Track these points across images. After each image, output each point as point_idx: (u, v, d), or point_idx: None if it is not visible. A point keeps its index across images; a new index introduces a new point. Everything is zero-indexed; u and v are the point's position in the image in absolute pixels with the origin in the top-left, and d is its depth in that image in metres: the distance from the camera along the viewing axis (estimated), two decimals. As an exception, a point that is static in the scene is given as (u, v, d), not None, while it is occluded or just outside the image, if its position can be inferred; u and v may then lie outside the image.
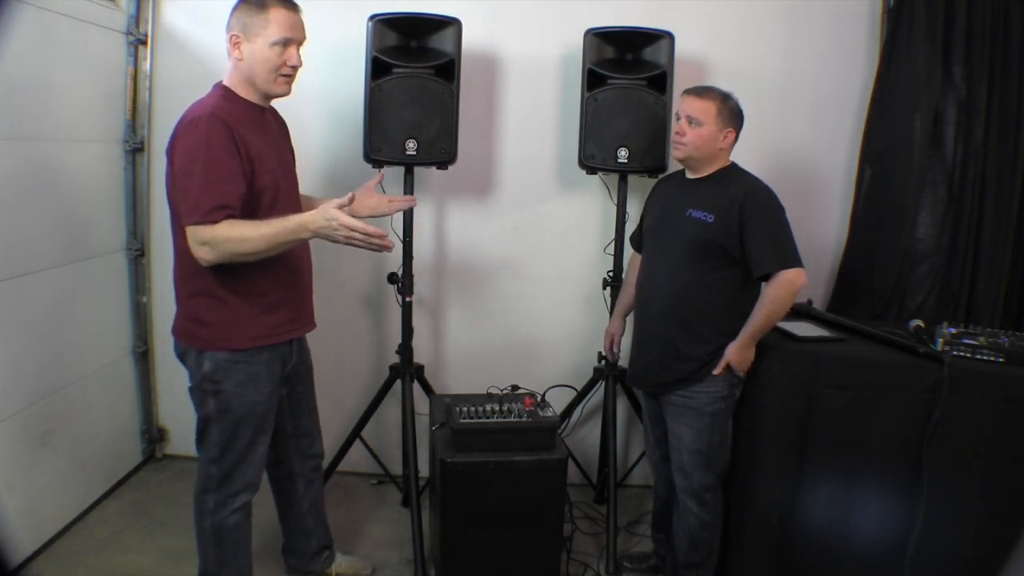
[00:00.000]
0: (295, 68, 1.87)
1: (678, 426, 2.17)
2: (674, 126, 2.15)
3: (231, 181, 1.73)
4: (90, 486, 2.69)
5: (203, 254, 1.71)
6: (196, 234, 1.70)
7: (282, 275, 1.91)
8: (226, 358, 1.86)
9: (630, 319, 2.45)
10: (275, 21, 1.80)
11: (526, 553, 2.22)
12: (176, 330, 1.92)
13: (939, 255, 2.73)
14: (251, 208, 1.80)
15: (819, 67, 2.83)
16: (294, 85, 1.90)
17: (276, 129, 2.00)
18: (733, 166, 2.15)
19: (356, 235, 1.68)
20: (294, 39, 1.84)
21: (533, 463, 2.14)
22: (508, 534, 2.19)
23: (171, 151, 1.77)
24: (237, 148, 1.74)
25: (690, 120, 2.08)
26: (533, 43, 2.80)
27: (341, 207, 1.70)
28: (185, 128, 1.75)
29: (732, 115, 2.09)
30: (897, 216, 2.72)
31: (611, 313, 2.74)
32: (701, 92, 2.10)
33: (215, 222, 1.69)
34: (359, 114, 2.44)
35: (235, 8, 1.83)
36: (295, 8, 1.85)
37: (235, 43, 1.81)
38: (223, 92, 1.85)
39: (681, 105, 2.12)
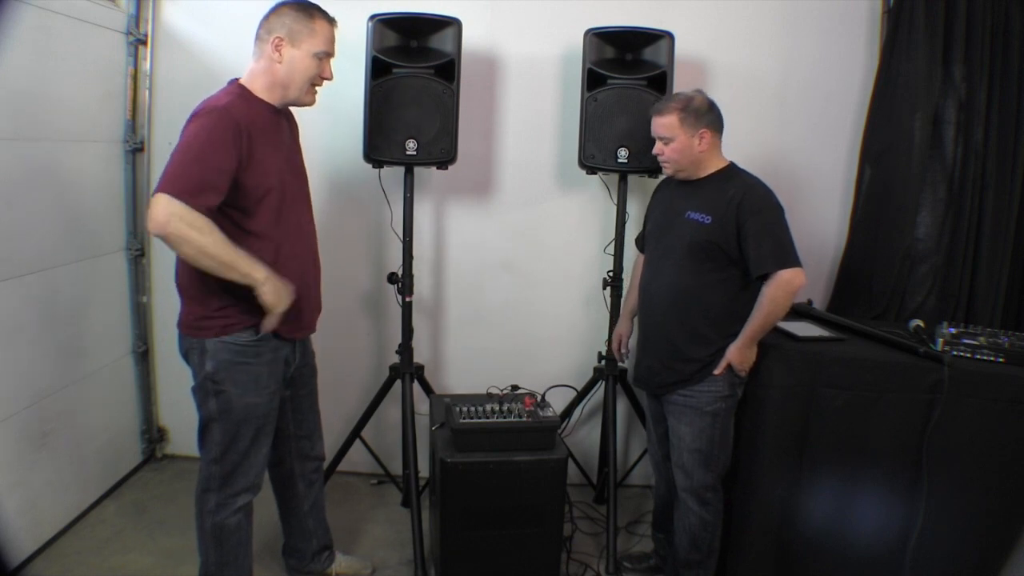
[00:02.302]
0: (327, 81, 1.91)
1: (679, 425, 2.17)
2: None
3: (217, 173, 1.71)
4: (90, 486, 2.69)
5: (162, 220, 1.63)
6: (171, 205, 1.63)
7: (290, 275, 1.89)
8: (229, 359, 1.86)
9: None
10: (321, 33, 1.85)
11: (526, 553, 2.22)
12: (182, 323, 1.91)
13: (939, 255, 2.73)
14: (255, 210, 1.81)
15: (819, 67, 2.83)
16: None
17: (289, 130, 2.01)
18: (731, 166, 2.15)
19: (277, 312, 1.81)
20: (331, 53, 1.89)
21: (533, 463, 2.15)
22: (508, 534, 2.20)
23: (181, 135, 1.76)
24: (238, 148, 1.74)
25: (661, 139, 2.12)
26: (533, 43, 2.80)
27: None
28: (198, 114, 1.75)
29: (699, 116, 2.07)
30: (897, 216, 2.72)
31: (611, 313, 2.74)
32: (660, 109, 2.12)
33: (195, 205, 1.65)
34: (359, 114, 2.43)
35: (277, 11, 1.84)
36: (335, 23, 1.90)
37: (277, 46, 1.82)
38: (240, 91, 1.85)
39: (652, 127, 2.15)
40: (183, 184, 1.66)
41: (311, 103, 1.94)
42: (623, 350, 2.57)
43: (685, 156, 2.10)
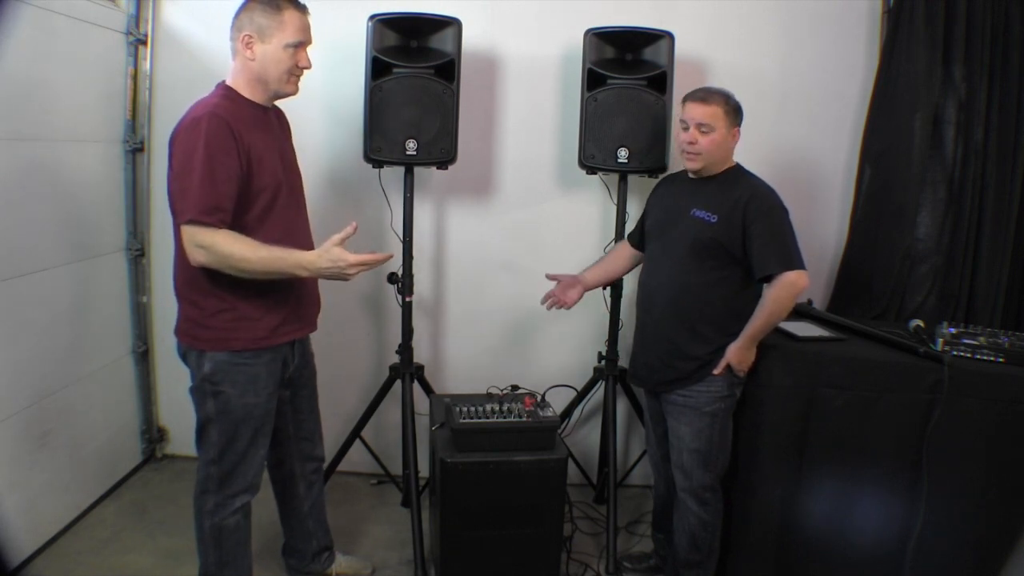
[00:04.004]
0: (306, 69, 1.90)
1: (678, 425, 2.17)
2: (681, 136, 2.09)
3: (227, 181, 1.73)
4: (90, 486, 2.69)
5: (197, 256, 1.72)
6: (194, 236, 1.70)
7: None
8: (227, 360, 1.86)
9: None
10: (290, 24, 1.83)
11: (526, 553, 2.22)
12: (178, 331, 1.92)
13: (939, 255, 2.73)
14: (246, 208, 1.80)
15: (819, 67, 2.83)
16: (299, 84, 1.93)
17: (279, 128, 2.00)
18: (737, 167, 2.15)
19: (367, 268, 1.74)
20: (306, 41, 1.88)
21: (533, 463, 2.15)
22: (508, 534, 2.19)
23: (171, 150, 1.77)
24: (237, 148, 1.74)
25: (700, 127, 2.05)
26: (533, 43, 2.80)
27: (344, 240, 1.73)
28: (186, 127, 1.75)
29: (736, 113, 2.09)
30: (897, 216, 2.72)
31: (611, 313, 2.75)
32: (705, 97, 2.06)
33: (212, 225, 1.69)
34: (359, 114, 2.43)
35: (245, 8, 1.83)
36: (306, 11, 1.88)
37: (247, 43, 1.81)
38: (226, 92, 1.85)
39: (687, 113, 2.08)
40: (202, 207, 1.68)
41: (294, 92, 1.92)
42: (546, 303, 2.46)
43: (719, 150, 2.07)
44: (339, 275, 1.74)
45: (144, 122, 2.83)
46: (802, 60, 2.82)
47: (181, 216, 1.72)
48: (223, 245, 1.70)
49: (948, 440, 2.06)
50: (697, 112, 2.05)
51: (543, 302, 2.49)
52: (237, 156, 1.74)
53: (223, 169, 1.72)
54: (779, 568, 2.28)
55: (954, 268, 2.72)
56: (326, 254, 1.72)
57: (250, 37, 1.81)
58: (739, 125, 2.10)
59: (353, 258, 1.71)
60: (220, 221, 1.71)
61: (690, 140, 2.07)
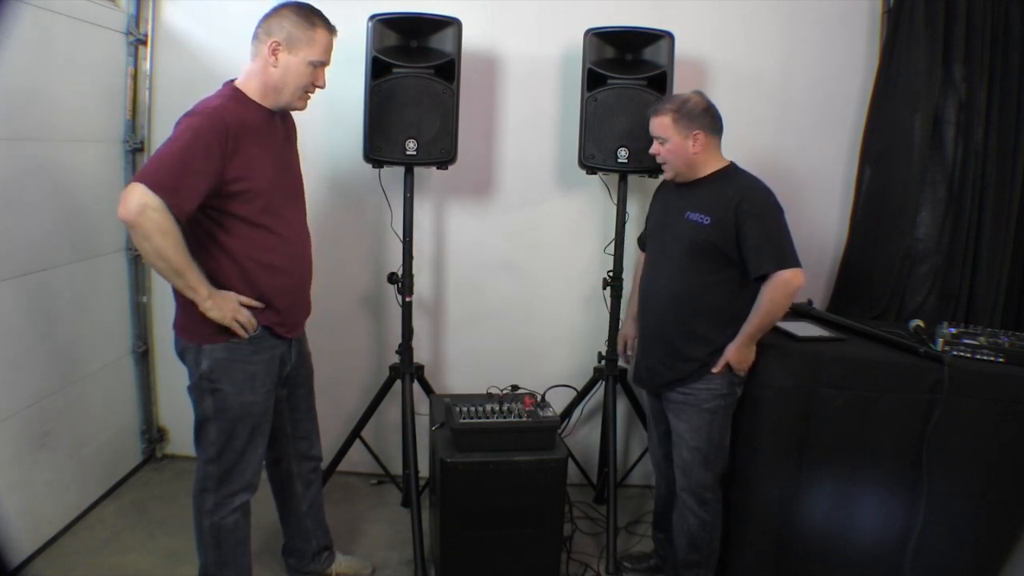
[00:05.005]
0: (320, 89, 1.92)
1: (678, 423, 2.17)
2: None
3: (202, 176, 1.71)
4: (90, 486, 2.70)
5: (134, 210, 1.63)
6: (146, 196, 1.64)
7: (281, 276, 1.91)
8: (225, 357, 1.86)
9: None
10: (320, 42, 1.85)
11: (526, 553, 2.22)
12: (177, 326, 1.92)
13: (939, 255, 2.73)
14: (246, 211, 1.80)
15: (819, 67, 2.83)
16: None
17: (284, 133, 1.99)
18: (731, 167, 2.15)
19: (236, 322, 1.82)
20: (326, 63, 1.90)
21: (533, 463, 2.15)
22: (508, 534, 2.20)
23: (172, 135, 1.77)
24: (224, 151, 1.73)
25: (657, 139, 2.14)
26: (533, 43, 2.80)
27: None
28: (190, 113, 1.76)
29: (692, 117, 2.07)
30: (897, 216, 2.72)
31: (611, 313, 2.74)
32: (656, 110, 2.15)
33: (170, 204, 1.65)
34: (359, 114, 2.43)
35: (277, 14, 1.83)
36: (335, 32, 1.90)
37: (274, 50, 1.81)
38: (233, 93, 1.84)
39: (649, 128, 2.17)
40: (164, 180, 1.66)
41: (302, 108, 1.94)
42: (629, 352, 2.55)
43: (679, 158, 2.10)
44: (219, 314, 1.78)
45: (144, 122, 2.83)
46: (802, 60, 2.82)
47: (142, 175, 1.67)
48: (165, 221, 1.65)
49: (948, 440, 2.06)
50: (652, 126, 2.15)
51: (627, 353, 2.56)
52: (221, 159, 1.73)
53: (199, 163, 1.70)
54: (779, 568, 2.28)
55: (954, 268, 2.72)
56: (226, 302, 1.79)
57: (278, 44, 1.81)
58: (702, 128, 2.07)
59: (244, 315, 1.81)
60: (173, 205, 1.67)
61: (653, 152, 2.17)
